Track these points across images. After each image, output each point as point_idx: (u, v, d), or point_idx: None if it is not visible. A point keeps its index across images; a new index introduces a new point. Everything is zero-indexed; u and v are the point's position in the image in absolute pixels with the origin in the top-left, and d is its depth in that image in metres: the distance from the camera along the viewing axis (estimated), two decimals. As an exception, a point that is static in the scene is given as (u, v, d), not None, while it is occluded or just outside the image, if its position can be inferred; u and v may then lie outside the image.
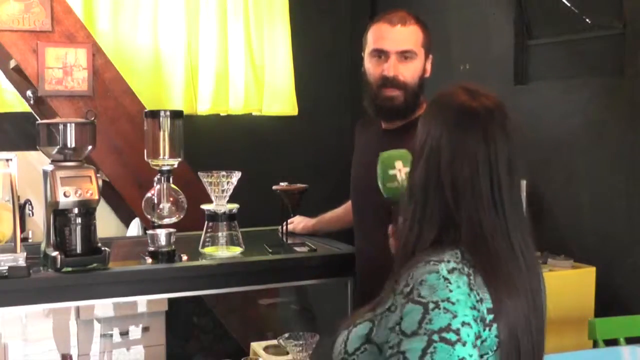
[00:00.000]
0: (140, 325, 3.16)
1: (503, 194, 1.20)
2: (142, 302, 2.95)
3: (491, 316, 1.14)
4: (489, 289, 1.15)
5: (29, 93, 3.21)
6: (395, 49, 1.92)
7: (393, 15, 1.94)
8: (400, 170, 1.60)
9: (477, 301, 1.13)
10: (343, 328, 1.25)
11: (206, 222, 2.08)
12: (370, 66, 1.97)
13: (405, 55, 1.92)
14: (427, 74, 1.98)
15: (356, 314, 1.27)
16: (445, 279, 1.12)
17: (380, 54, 1.94)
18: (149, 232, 2.01)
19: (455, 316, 1.09)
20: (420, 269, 1.14)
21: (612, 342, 2.08)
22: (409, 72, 1.92)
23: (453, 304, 1.10)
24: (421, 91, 1.96)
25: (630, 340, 2.09)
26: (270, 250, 2.15)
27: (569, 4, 2.74)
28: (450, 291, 1.11)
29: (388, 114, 1.97)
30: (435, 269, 1.13)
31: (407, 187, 1.28)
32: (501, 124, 1.22)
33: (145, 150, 2.05)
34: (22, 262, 1.77)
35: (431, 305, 1.10)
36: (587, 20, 2.69)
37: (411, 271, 1.15)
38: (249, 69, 3.78)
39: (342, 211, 2.32)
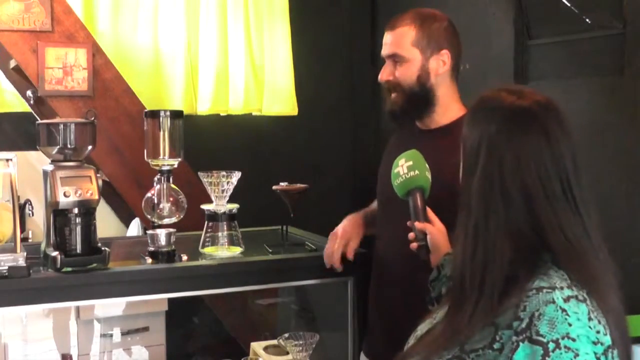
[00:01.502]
0: (140, 325, 3.16)
1: (575, 192, 1.13)
2: (142, 302, 2.94)
3: (612, 341, 1.07)
4: (602, 311, 1.07)
5: (29, 93, 3.21)
6: (385, 54, 1.94)
7: (393, 18, 1.95)
8: (402, 165, 1.62)
9: (598, 332, 1.05)
10: None
11: (206, 222, 2.08)
12: None
13: (394, 59, 1.91)
14: (435, 72, 1.91)
15: (423, 345, 1.15)
16: (563, 310, 1.03)
17: (383, 60, 1.97)
18: (149, 232, 2.01)
19: (577, 355, 1.01)
20: (532, 299, 1.05)
21: (612, 342, 2.08)
22: (402, 74, 1.91)
23: (574, 340, 1.02)
24: (426, 91, 1.91)
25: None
26: (270, 250, 2.15)
27: (569, 4, 2.74)
28: (570, 325, 1.02)
29: (390, 116, 1.98)
30: (550, 298, 1.04)
31: (461, 202, 1.19)
32: (558, 119, 1.16)
33: (145, 150, 2.05)
34: (22, 262, 1.77)
35: (551, 346, 1.01)
36: (587, 20, 2.68)
37: (522, 303, 1.05)
38: (249, 69, 3.78)
39: None
